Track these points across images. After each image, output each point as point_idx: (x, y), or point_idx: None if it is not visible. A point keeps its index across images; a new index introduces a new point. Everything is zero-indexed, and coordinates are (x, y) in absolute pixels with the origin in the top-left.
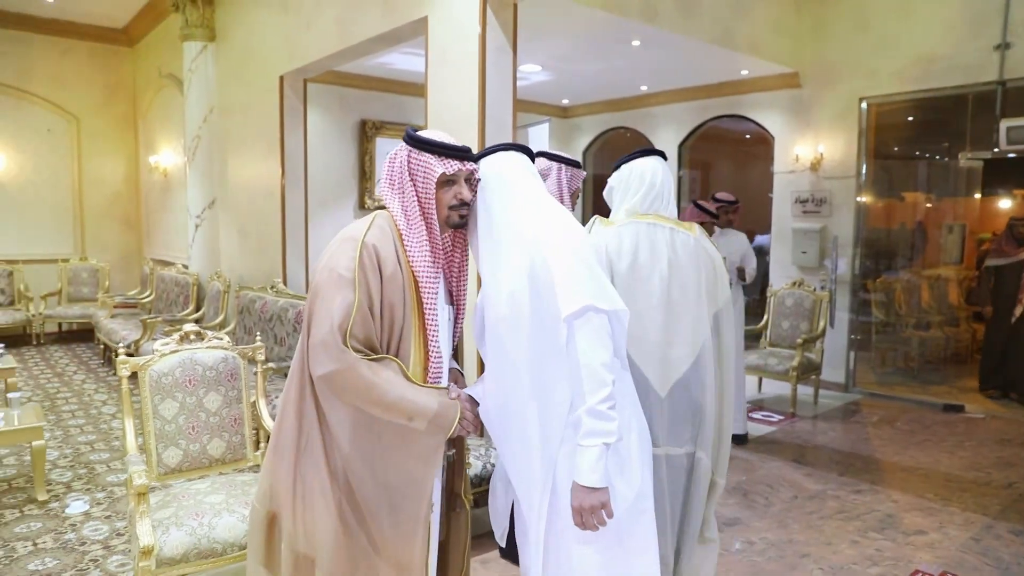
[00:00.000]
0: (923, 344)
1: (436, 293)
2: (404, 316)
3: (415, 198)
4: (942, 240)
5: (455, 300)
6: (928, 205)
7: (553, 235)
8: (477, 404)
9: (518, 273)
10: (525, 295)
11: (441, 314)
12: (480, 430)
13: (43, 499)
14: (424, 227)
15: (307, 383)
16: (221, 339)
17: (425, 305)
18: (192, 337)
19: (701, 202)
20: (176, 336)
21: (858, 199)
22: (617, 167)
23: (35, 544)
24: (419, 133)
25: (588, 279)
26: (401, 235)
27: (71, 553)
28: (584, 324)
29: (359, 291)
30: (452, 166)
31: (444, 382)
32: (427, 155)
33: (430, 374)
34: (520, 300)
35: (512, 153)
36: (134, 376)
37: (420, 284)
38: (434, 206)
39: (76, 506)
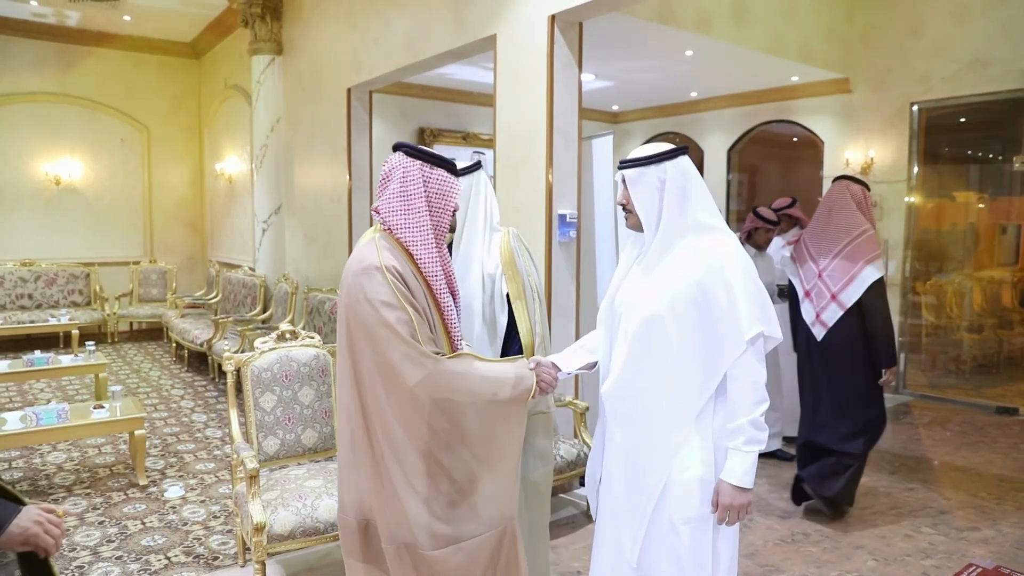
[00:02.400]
0: (975, 347)
1: (446, 291)
2: (431, 316)
3: (427, 211)
4: (995, 241)
5: (452, 291)
6: (980, 206)
7: (730, 252)
8: (559, 370)
9: (686, 278)
10: (689, 300)
11: (448, 304)
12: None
13: (143, 484)
14: (433, 237)
15: (366, 400)
16: (313, 338)
17: (441, 304)
18: (288, 336)
19: (760, 209)
20: (274, 335)
21: (907, 200)
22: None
23: (143, 523)
24: (425, 148)
25: (766, 306)
26: (406, 249)
27: (176, 532)
28: (757, 347)
29: (408, 307)
30: (459, 181)
31: None
32: (441, 170)
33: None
34: (682, 304)
35: (688, 158)
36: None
37: (433, 287)
38: (447, 216)
39: (173, 491)
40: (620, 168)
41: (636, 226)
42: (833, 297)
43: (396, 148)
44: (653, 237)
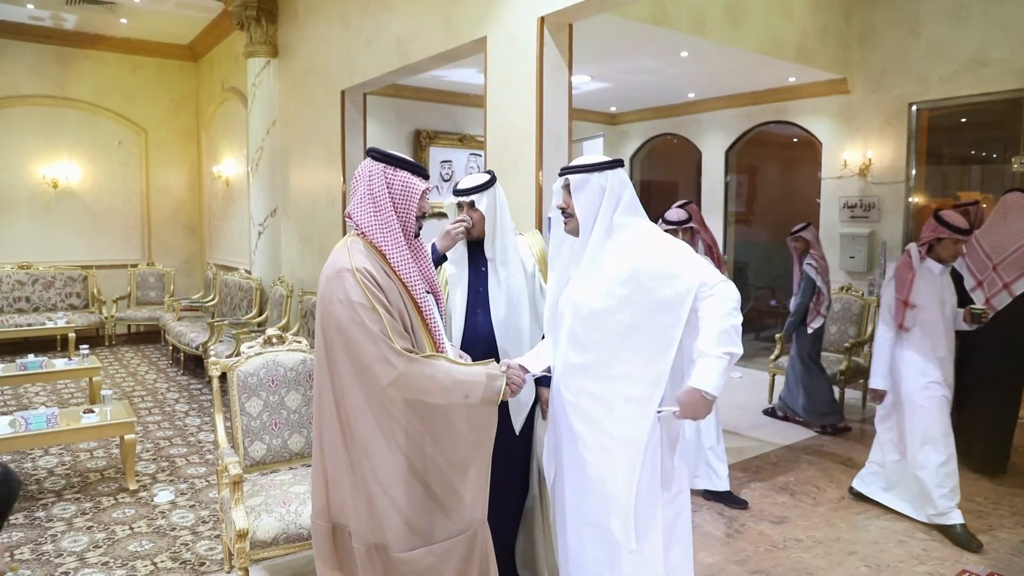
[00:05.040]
0: None
1: (424, 289)
2: (408, 315)
3: (393, 212)
4: None
5: (431, 289)
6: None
7: (650, 233)
8: (527, 371)
9: (622, 268)
10: (631, 285)
11: (427, 303)
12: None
13: (133, 488)
14: (403, 237)
15: (342, 403)
16: (300, 342)
17: (419, 301)
18: (274, 341)
19: (945, 213)
20: (260, 340)
21: (909, 200)
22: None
23: (132, 528)
24: (389, 152)
25: (696, 256)
26: (380, 251)
27: (164, 537)
28: (713, 284)
29: (379, 307)
30: (424, 183)
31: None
32: (404, 172)
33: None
34: (626, 290)
35: (624, 170)
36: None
37: (409, 286)
38: (413, 217)
39: (163, 496)
40: (563, 174)
41: (574, 230)
42: (1005, 286)
43: (367, 154)
44: (588, 239)
